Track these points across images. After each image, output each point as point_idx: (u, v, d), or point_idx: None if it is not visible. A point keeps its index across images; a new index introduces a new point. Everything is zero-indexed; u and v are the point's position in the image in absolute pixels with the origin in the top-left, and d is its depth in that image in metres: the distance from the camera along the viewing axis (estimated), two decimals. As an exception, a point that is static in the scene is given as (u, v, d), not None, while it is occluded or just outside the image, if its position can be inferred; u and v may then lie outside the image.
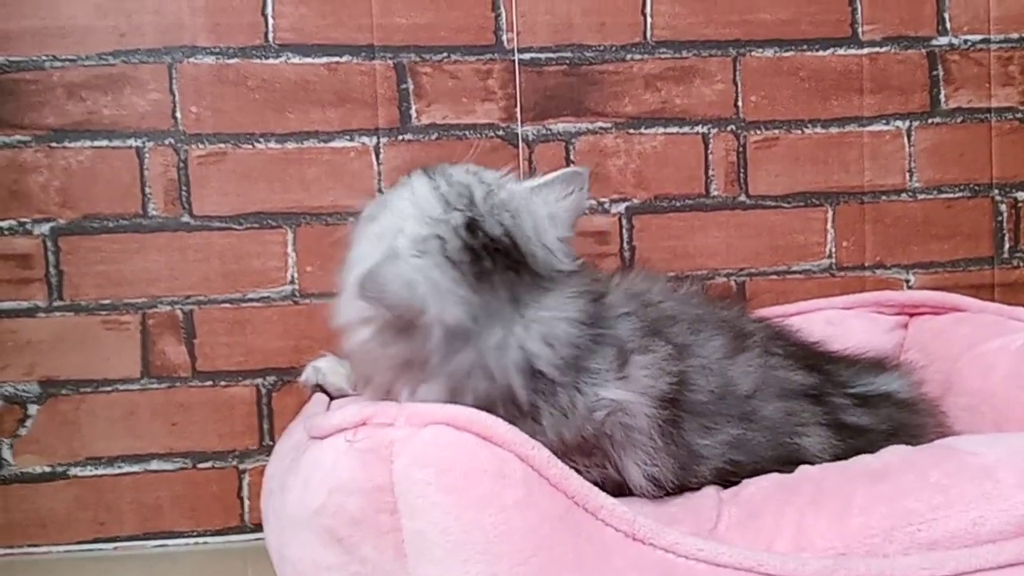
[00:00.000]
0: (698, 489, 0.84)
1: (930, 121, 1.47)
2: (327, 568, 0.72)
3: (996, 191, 1.48)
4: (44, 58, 1.31)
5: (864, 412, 0.90)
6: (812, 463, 0.85)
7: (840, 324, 1.21)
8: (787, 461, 0.85)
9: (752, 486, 0.83)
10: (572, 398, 0.79)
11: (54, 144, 1.32)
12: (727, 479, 0.84)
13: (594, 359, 0.80)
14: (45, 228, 1.32)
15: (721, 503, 0.81)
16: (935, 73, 1.46)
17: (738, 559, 0.70)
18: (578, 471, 0.75)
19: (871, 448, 0.86)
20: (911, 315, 1.22)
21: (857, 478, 0.80)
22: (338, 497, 0.70)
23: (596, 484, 0.74)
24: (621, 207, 1.42)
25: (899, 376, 0.98)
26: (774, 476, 0.84)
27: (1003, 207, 1.48)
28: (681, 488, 0.83)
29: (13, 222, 1.31)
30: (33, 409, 1.32)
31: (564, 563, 0.68)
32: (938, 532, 0.72)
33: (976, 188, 1.48)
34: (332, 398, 1.00)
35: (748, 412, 0.84)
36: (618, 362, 0.80)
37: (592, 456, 0.81)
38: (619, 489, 0.81)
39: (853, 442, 0.87)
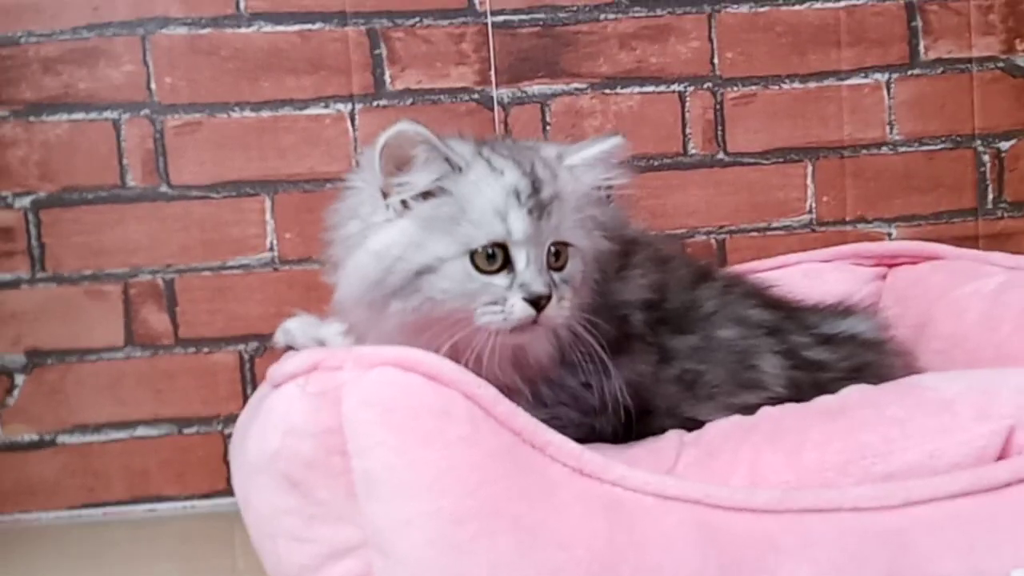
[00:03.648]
0: (662, 432, 0.85)
1: (909, 73, 1.45)
2: (285, 512, 0.73)
3: (979, 142, 1.46)
4: (19, 33, 1.32)
5: (824, 349, 0.91)
6: (771, 391, 0.87)
7: (817, 276, 1.20)
8: (746, 385, 0.87)
9: (714, 428, 0.84)
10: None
11: (32, 118, 1.33)
12: (689, 389, 0.87)
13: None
14: (26, 201, 1.33)
15: (682, 445, 0.82)
16: (914, 24, 1.45)
17: (686, 491, 0.70)
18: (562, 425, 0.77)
19: (833, 384, 0.86)
20: (890, 266, 1.21)
21: (815, 415, 0.80)
22: (291, 441, 0.71)
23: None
24: (599, 167, 1.41)
25: (866, 319, 0.98)
26: (736, 418, 0.85)
27: (986, 158, 1.47)
28: (647, 413, 0.85)
29: (-6, 196, 1.33)
30: (20, 379, 1.34)
31: (509, 497, 0.68)
32: (894, 465, 0.72)
33: (958, 139, 1.46)
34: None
35: (709, 331, 0.89)
36: (620, 262, 0.90)
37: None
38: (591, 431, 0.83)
39: (811, 374, 0.88)
